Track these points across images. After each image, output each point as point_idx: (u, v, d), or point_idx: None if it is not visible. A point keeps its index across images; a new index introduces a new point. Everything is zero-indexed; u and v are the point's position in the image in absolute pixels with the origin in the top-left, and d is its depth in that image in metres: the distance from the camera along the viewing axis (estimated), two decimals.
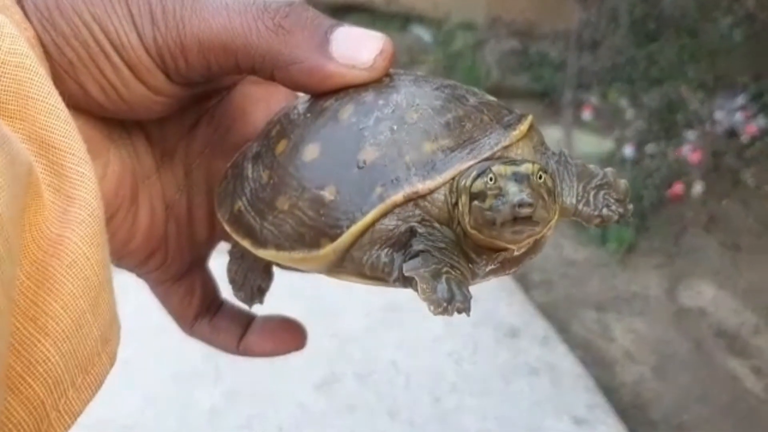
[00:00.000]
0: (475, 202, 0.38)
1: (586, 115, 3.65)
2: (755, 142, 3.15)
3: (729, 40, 3.44)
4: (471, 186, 0.39)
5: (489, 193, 0.37)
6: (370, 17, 4.97)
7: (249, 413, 2.10)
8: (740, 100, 3.29)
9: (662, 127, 3.30)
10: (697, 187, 2.99)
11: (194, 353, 2.07)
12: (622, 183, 0.45)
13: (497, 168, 0.37)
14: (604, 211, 0.44)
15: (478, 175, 0.39)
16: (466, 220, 0.39)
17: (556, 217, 0.40)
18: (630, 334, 2.45)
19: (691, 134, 3.23)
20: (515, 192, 0.36)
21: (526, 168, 0.37)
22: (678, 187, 2.98)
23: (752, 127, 3.17)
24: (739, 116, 3.24)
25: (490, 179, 0.37)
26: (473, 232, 0.39)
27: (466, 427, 2.08)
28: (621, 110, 3.57)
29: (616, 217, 0.45)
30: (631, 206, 0.45)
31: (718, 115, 3.27)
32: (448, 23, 4.73)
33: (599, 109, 3.66)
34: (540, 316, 2.51)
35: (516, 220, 0.37)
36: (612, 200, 0.45)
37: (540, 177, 0.37)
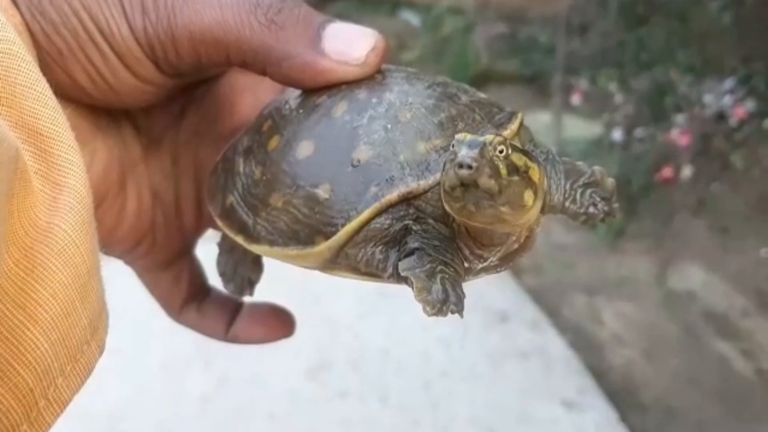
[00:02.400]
0: (442, 173, 0.38)
1: (576, 99, 3.65)
2: (744, 125, 3.16)
3: (718, 24, 3.45)
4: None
5: (447, 159, 0.37)
6: (359, 2, 4.96)
7: (240, 400, 2.10)
8: (729, 83, 3.30)
9: (651, 110, 3.31)
10: (686, 171, 3.00)
11: (184, 341, 2.07)
12: (610, 182, 0.46)
13: (459, 135, 0.37)
14: (590, 209, 0.45)
15: None
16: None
17: (536, 205, 0.39)
18: (620, 317, 2.46)
19: (680, 118, 3.23)
20: (462, 156, 0.35)
21: (485, 138, 0.36)
22: (667, 171, 2.99)
23: (741, 111, 3.18)
24: (727, 99, 3.24)
25: (453, 146, 0.37)
26: (447, 208, 0.39)
27: (456, 411, 2.09)
28: (610, 94, 3.57)
29: (601, 216, 0.45)
30: (616, 205, 0.46)
31: (707, 98, 3.28)
32: (437, 8, 4.72)
33: (588, 93, 3.67)
34: (530, 300, 2.52)
35: (466, 187, 0.36)
36: (598, 198, 0.45)
37: (501, 151, 0.36)
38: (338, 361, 2.25)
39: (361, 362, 2.25)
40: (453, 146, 0.37)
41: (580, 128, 3.41)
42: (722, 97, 3.26)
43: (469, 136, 0.36)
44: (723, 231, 2.76)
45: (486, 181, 0.36)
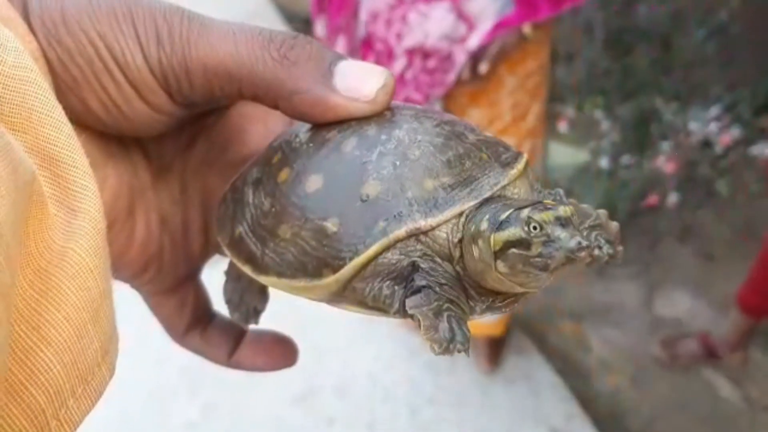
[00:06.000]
0: (513, 250, 0.38)
1: (562, 126, 3.67)
2: (729, 152, 3.20)
3: (702, 52, 3.49)
4: (505, 235, 0.38)
5: (535, 240, 0.37)
6: None
7: (226, 428, 2.09)
8: (714, 110, 3.34)
9: (637, 138, 3.34)
10: (672, 198, 3.02)
11: (171, 367, 2.07)
12: (614, 225, 0.46)
13: (539, 216, 0.38)
14: (596, 251, 0.45)
15: (503, 224, 0.39)
16: (496, 266, 0.39)
17: None
18: (606, 344, 2.47)
19: (665, 145, 3.27)
20: (567, 237, 0.37)
21: (564, 211, 0.37)
22: (653, 198, 3.01)
23: (726, 138, 3.22)
24: (713, 127, 3.28)
25: (534, 228, 0.37)
26: (500, 277, 0.39)
27: None
28: (596, 122, 3.59)
29: (606, 258, 0.45)
30: (621, 248, 0.46)
31: (693, 125, 3.32)
32: None
33: (575, 120, 3.69)
34: (517, 326, 2.52)
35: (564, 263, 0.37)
36: (603, 241, 0.45)
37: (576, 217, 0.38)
38: (325, 387, 2.24)
39: (348, 389, 2.24)
40: (536, 227, 0.37)
41: (566, 155, 3.43)
42: (707, 124, 3.30)
43: (551, 215, 0.37)
44: (709, 257, 2.78)
45: (587, 256, 0.37)
